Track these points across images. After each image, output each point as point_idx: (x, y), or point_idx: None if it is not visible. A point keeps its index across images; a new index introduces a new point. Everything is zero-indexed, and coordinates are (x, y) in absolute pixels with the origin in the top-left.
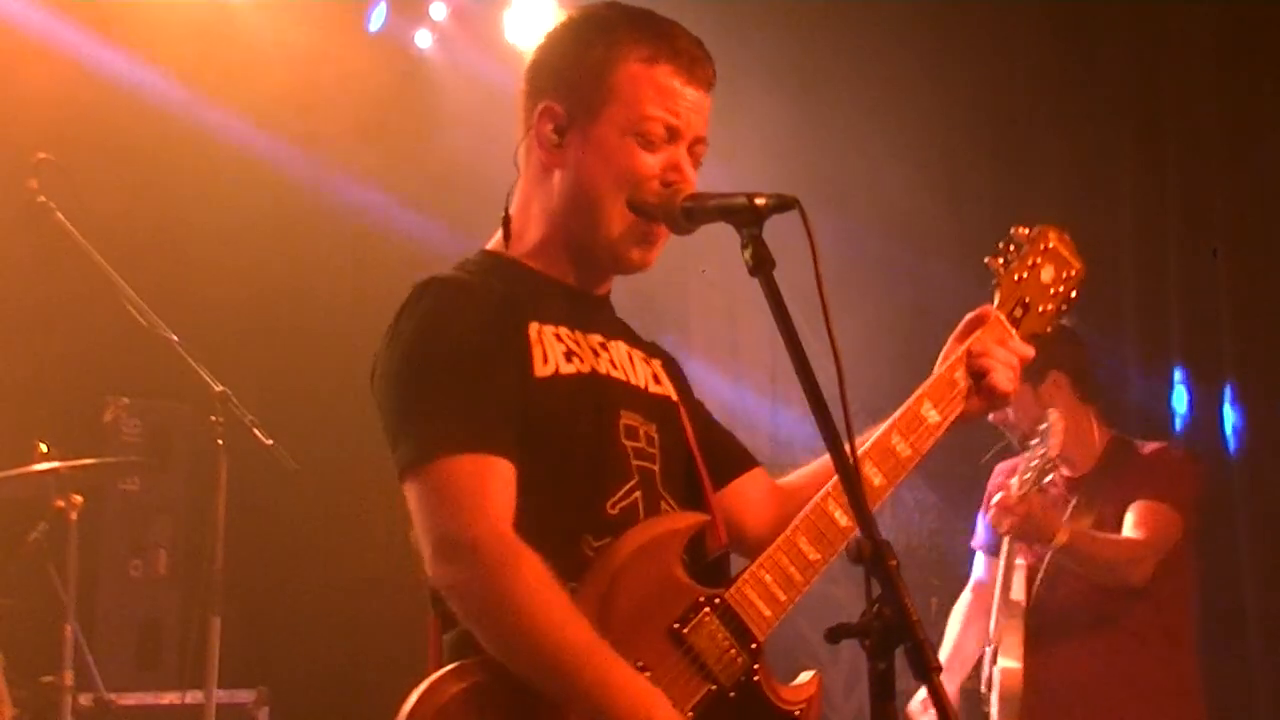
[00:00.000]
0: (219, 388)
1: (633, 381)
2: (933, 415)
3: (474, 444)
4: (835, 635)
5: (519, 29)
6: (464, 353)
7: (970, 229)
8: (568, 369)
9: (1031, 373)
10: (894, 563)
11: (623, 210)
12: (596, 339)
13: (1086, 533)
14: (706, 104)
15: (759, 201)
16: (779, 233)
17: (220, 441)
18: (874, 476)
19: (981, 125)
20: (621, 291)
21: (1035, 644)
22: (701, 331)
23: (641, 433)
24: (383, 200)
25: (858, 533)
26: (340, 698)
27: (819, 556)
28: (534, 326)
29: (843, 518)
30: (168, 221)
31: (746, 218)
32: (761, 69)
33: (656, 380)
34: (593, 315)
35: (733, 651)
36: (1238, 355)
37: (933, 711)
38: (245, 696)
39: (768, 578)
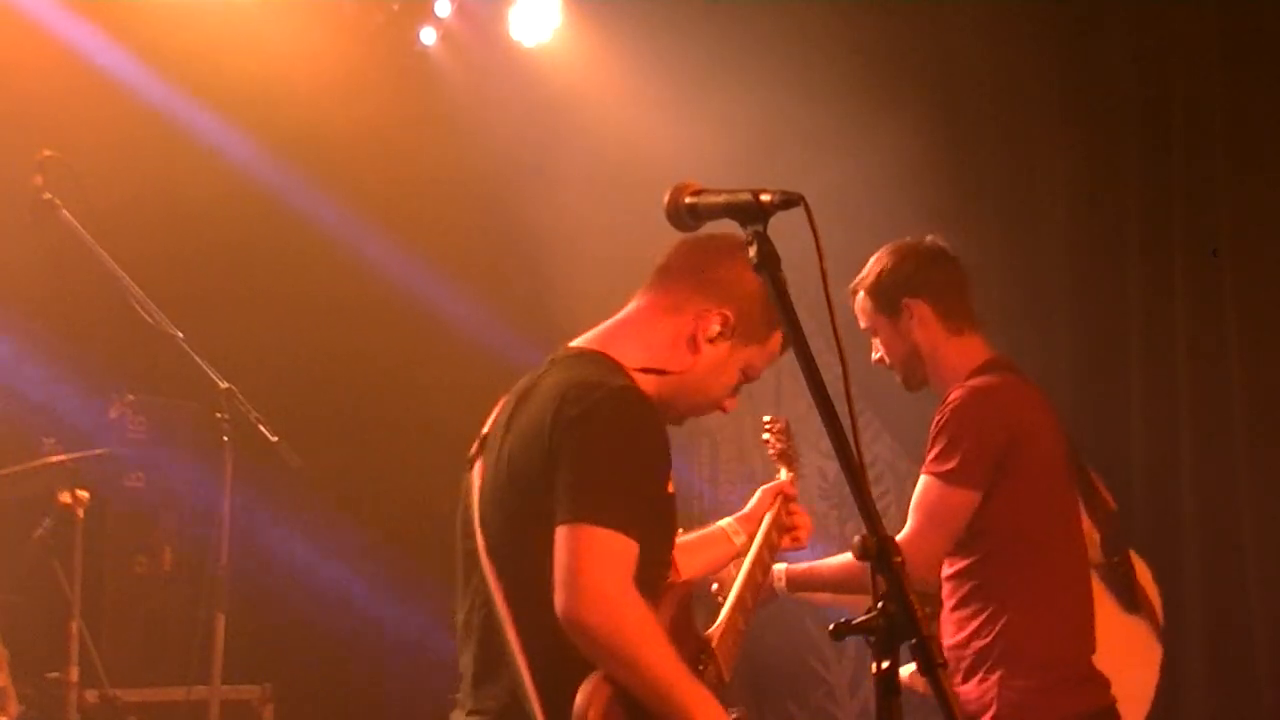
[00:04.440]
0: (224, 384)
1: None
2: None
3: (633, 531)
4: (840, 632)
5: (524, 26)
6: (656, 464)
7: (974, 227)
8: (672, 489)
9: (887, 305)
10: (899, 560)
11: (697, 408)
12: None
13: (803, 571)
14: None
15: (764, 198)
16: (784, 230)
17: (225, 438)
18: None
19: (985, 122)
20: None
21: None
22: None
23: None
24: (386, 198)
25: (864, 530)
26: (344, 694)
27: (752, 604)
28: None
29: (760, 575)
30: (173, 218)
31: (751, 214)
32: (768, 62)
33: None
34: None
35: (717, 684)
36: (1242, 350)
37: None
38: (250, 693)
39: (731, 626)
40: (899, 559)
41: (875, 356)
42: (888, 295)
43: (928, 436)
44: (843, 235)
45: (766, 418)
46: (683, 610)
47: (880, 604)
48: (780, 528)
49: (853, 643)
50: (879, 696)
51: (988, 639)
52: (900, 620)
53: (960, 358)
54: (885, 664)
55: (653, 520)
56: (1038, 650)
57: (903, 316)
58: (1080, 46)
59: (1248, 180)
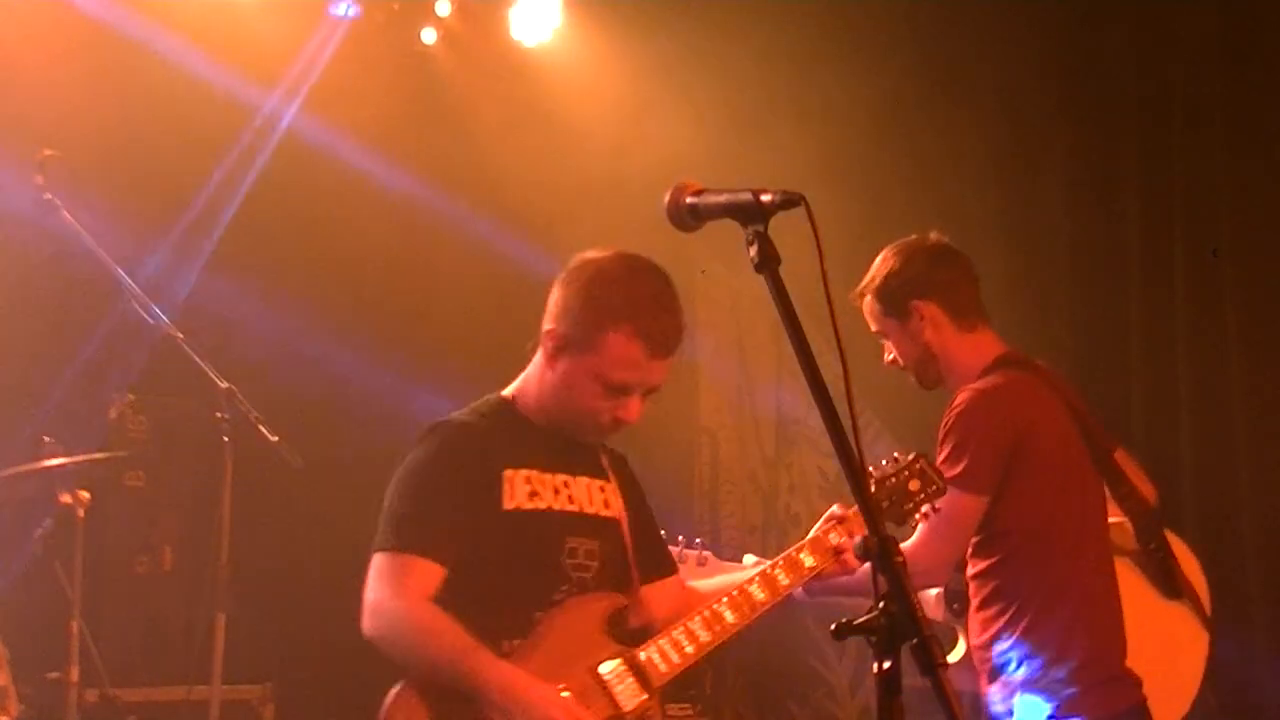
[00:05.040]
0: (224, 384)
1: (586, 510)
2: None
3: (421, 549)
4: (841, 632)
5: (524, 26)
6: (441, 486)
7: (975, 224)
8: (528, 505)
9: (895, 308)
10: (900, 559)
11: (580, 424)
12: (561, 478)
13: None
14: (668, 365)
15: (765, 198)
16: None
17: (226, 438)
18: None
19: (985, 122)
20: None
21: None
22: (707, 326)
23: (582, 550)
24: (386, 196)
25: (866, 531)
26: (345, 693)
27: (735, 620)
28: (507, 472)
29: (760, 593)
30: (172, 219)
31: (752, 214)
32: (768, 62)
33: (606, 505)
34: (565, 458)
35: (636, 688)
36: (1242, 350)
37: None
38: (250, 692)
39: (682, 637)
40: (900, 559)
41: (888, 358)
42: (895, 298)
43: (933, 438)
44: (841, 234)
45: (910, 455)
46: (584, 620)
47: (881, 603)
48: (824, 551)
49: (853, 642)
50: (880, 696)
51: (1009, 641)
52: (901, 620)
53: (972, 355)
54: (886, 664)
55: (480, 539)
56: (1060, 650)
57: (912, 318)
58: (1080, 45)
59: (1248, 180)
